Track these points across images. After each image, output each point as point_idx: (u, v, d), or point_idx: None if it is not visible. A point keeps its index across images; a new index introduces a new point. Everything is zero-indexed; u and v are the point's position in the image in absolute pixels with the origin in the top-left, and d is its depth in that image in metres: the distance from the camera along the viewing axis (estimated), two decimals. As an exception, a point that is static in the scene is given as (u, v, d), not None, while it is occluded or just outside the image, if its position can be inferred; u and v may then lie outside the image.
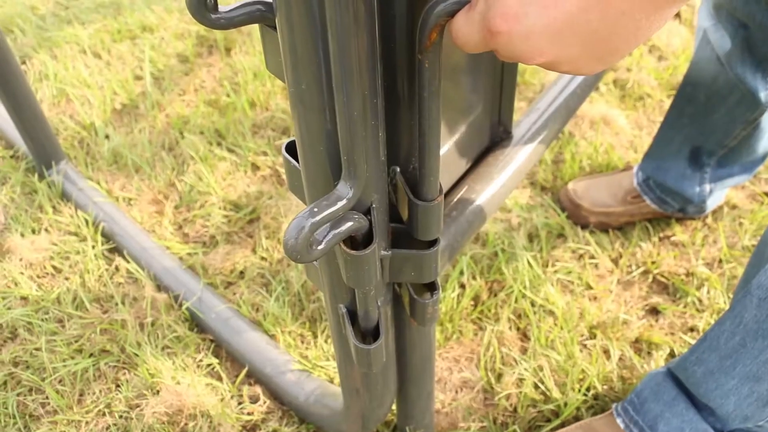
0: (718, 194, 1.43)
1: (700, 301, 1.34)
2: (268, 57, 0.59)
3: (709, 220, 1.48)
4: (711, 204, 1.43)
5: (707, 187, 1.38)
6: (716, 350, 0.96)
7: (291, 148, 0.67)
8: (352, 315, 0.74)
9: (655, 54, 1.92)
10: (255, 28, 2.04)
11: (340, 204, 0.54)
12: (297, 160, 0.64)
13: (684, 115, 1.32)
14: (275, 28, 0.49)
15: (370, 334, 0.76)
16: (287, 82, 0.51)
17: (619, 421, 1.10)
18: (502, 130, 0.84)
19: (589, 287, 1.38)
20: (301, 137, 0.56)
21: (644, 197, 1.45)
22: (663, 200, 1.43)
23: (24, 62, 1.97)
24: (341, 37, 0.44)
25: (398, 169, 0.62)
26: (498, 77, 0.77)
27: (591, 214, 1.46)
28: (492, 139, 0.85)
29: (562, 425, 1.18)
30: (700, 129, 1.31)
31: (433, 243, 0.67)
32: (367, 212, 0.60)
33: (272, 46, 0.57)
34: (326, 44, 0.47)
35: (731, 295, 1.34)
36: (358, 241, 0.62)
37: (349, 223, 0.57)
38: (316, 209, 0.53)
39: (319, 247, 0.55)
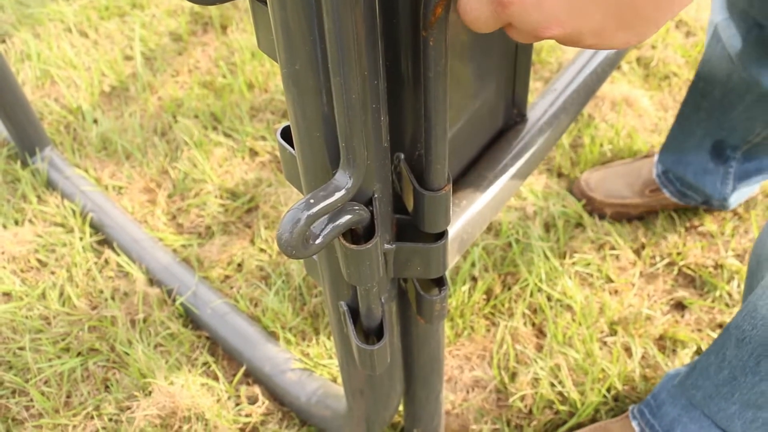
0: (745, 191, 1.38)
1: (729, 295, 1.33)
2: (259, 35, 0.58)
3: (740, 209, 1.46)
4: (734, 201, 1.39)
5: (730, 183, 1.33)
6: (709, 378, 0.96)
7: (287, 134, 0.65)
8: (354, 313, 0.73)
9: (683, 29, 1.90)
10: (252, 3, 2.02)
11: (338, 195, 0.52)
12: (293, 146, 0.63)
13: (701, 109, 1.28)
14: (266, 2, 0.48)
15: (373, 333, 0.75)
16: (279, 62, 0.50)
17: (634, 424, 1.09)
18: (515, 112, 0.83)
19: (610, 280, 1.36)
20: (296, 122, 0.54)
21: (663, 190, 1.42)
22: (684, 194, 1.40)
23: (3, 41, 1.96)
24: (337, 12, 0.43)
25: (402, 156, 0.61)
26: (511, 55, 0.75)
27: (606, 206, 1.44)
28: (505, 122, 0.83)
29: (578, 427, 1.17)
30: (719, 124, 1.26)
31: (441, 236, 0.65)
32: (369, 203, 0.59)
33: (264, 22, 0.55)
34: (321, 20, 0.45)
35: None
36: (359, 235, 0.61)
37: (349, 216, 0.56)
38: (312, 200, 0.51)
39: (317, 242, 0.54)
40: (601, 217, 1.46)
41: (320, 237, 0.55)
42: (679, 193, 1.40)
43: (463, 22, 0.46)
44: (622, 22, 0.40)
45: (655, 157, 1.45)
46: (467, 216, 0.75)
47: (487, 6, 0.43)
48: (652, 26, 0.41)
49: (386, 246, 0.65)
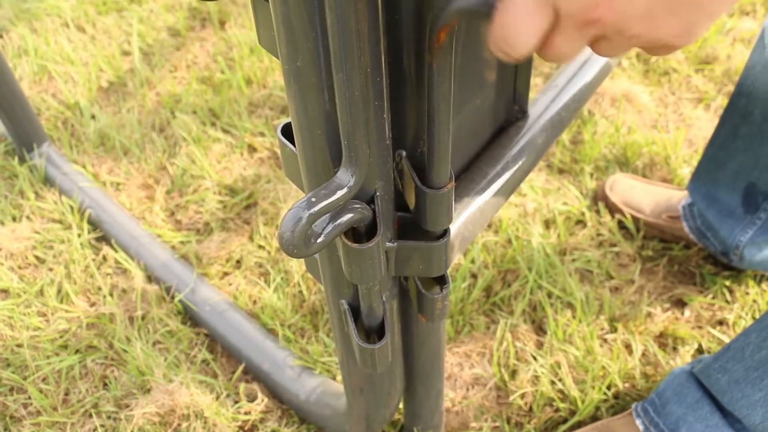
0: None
1: (730, 291, 1.32)
2: (260, 31, 0.57)
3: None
4: (751, 256, 1.25)
5: (750, 233, 1.21)
6: (741, 361, 0.94)
7: (287, 131, 0.65)
8: (355, 311, 0.73)
9: (682, 25, 1.89)
10: (250, -2, 2.01)
11: (340, 193, 0.52)
12: (293, 143, 0.62)
13: (738, 137, 1.14)
14: (267, -2, 0.47)
15: (374, 332, 0.74)
16: (281, 58, 0.49)
17: (638, 422, 1.09)
18: (516, 108, 0.82)
19: (610, 277, 1.36)
20: (297, 119, 0.54)
21: (683, 222, 1.34)
22: (702, 234, 1.32)
23: (0, 36, 1.95)
24: (340, 8, 0.42)
25: (404, 154, 0.60)
26: (513, 51, 0.75)
27: (617, 211, 1.42)
28: (506, 118, 0.82)
29: (579, 425, 1.17)
30: (755, 160, 1.12)
31: (443, 234, 0.65)
32: (371, 201, 0.58)
33: (265, 18, 0.55)
34: (324, 16, 0.45)
35: (763, 286, 1.32)
36: (360, 233, 0.60)
37: (351, 214, 0.55)
38: (314, 199, 0.51)
39: (318, 241, 0.54)
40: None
41: (322, 236, 0.54)
42: (698, 231, 1.32)
43: (501, 46, 0.42)
44: (671, 4, 0.39)
45: (688, 186, 1.34)
46: (468, 213, 0.74)
47: (533, 4, 0.40)
48: (701, 15, 0.39)
49: (388, 244, 0.65)
